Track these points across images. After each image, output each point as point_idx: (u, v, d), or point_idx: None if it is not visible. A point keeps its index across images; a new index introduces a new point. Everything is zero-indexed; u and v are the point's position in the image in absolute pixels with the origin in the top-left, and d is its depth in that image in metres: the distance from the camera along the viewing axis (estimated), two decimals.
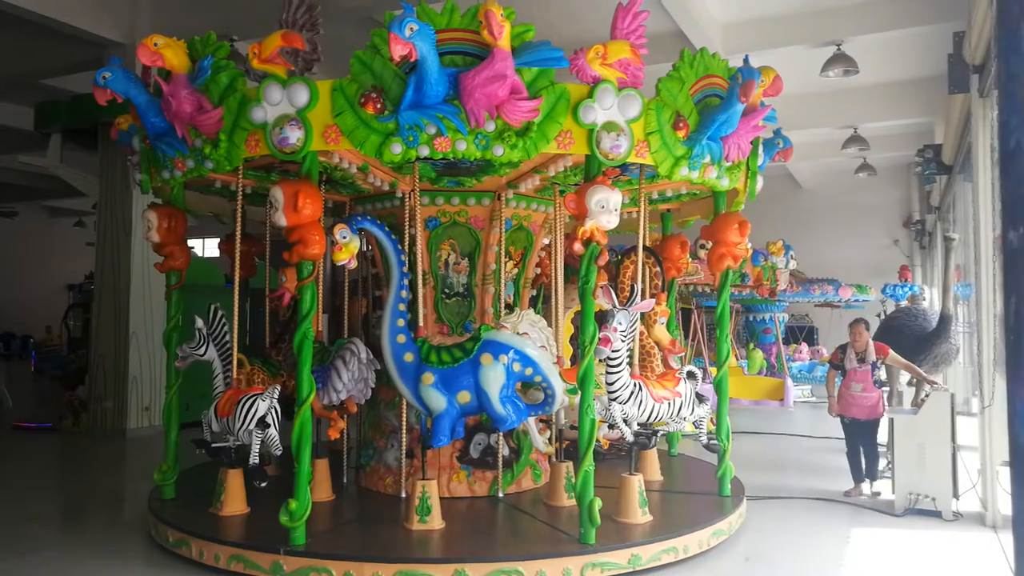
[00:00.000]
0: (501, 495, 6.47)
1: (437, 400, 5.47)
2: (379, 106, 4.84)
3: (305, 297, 5.15)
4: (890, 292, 17.84)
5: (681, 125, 5.37)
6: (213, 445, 5.94)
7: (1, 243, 25.17)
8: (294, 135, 4.90)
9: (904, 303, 19.10)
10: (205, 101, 5.18)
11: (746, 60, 5.43)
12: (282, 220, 5.02)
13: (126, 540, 6.00)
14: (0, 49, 11.38)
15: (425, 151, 4.92)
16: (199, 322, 6.03)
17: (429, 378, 5.48)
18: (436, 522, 5.52)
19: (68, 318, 12.89)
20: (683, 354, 7.49)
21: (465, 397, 5.48)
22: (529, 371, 5.55)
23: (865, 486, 7.47)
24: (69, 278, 25.02)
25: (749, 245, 6.64)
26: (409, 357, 5.58)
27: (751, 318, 15.96)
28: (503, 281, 6.68)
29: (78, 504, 7.68)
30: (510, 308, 6.81)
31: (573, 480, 6.20)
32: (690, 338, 13.97)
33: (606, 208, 5.07)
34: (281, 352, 7.41)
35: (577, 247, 5.18)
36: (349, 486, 6.88)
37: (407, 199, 6.33)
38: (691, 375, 6.18)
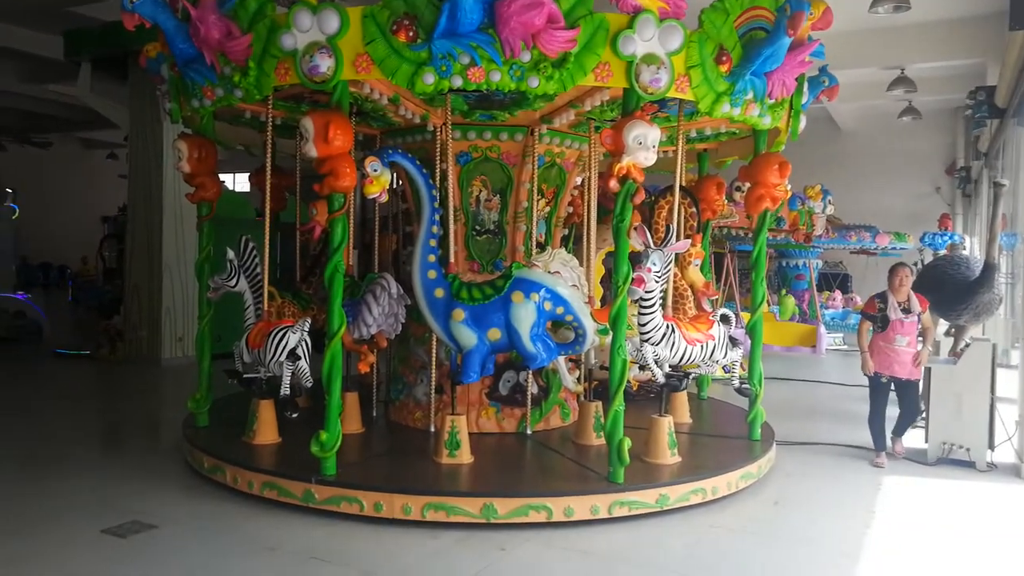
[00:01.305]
0: (529, 432, 6.49)
1: (467, 336, 5.44)
2: (411, 34, 4.69)
3: (336, 230, 5.11)
4: (929, 241, 17.43)
5: (724, 59, 5.15)
6: (244, 376, 6.01)
7: (37, 174, 25.44)
8: (324, 63, 4.78)
9: (943, 252, 18.81)
10: (234, 27, 5.05)
11: None
12: (312, 151, 4.94)
13: (163, 465, 6.14)
14: None
15: (458, 82, 4.78)
16: (230, 254, 6.04)
17: (459, 314, 5.44)
18: (465, 456, 5.56)
19: (103, 249, 13.04)
20: (716, 297, 7.38)
21: (495, 334, 5.45)
22: (560, 310, 5.49)
23: (894, 445, 6.93)
24: (104, 209, 25.26)
25: (788, 187, 6.43)
26: (440, 293, 5.54)
27: (784, 263, 15.69)
28: (535, 219, 6.57)
29: (117, 429, 7.91)
30: (541, 247, 6.72)
31: (602, 420, 6.22)
32: (722, 282, 13.80)
33: (643, 144, 4.91)
34: (311, 285, 7.44)
35: (612, 184, 5.04)
36: (378, 419, 6.95)
37: (439, 133, 6.20)
38: (725, 318, 6.08)
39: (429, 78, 4.75)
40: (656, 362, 5.68)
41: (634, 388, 7.80)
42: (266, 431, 5.95)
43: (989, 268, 8.60)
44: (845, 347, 15.87)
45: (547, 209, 6.89)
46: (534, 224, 6.57)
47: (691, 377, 6.13)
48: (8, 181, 14.57)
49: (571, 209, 7.37)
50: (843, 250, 17.04)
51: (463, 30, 4.61)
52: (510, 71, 4.74)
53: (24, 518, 4.93)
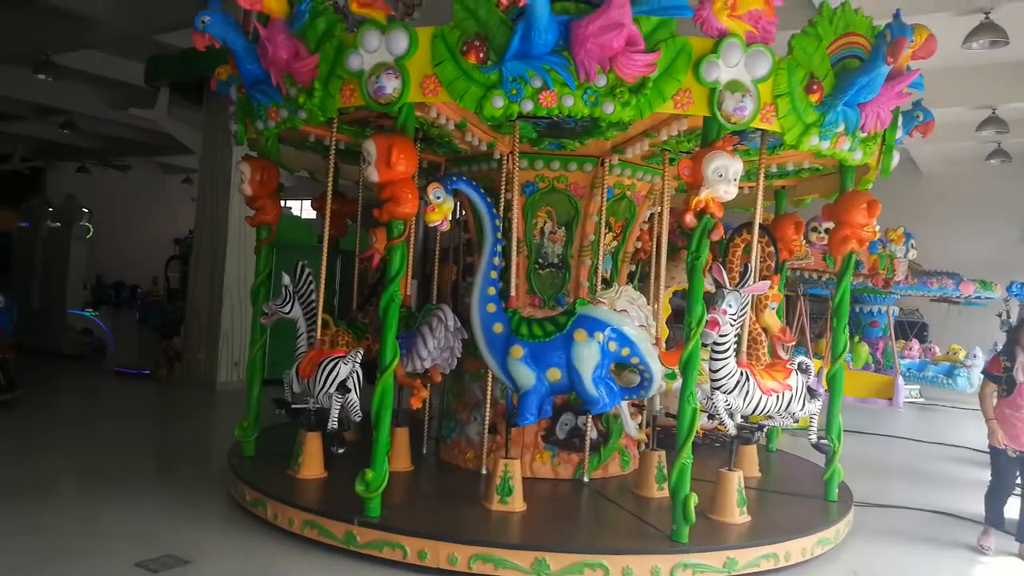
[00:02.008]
0: (586, 480, 6.11)
1: (525, 375, 5.12)
2: (482, 55, 4.47)
3: (395, 258, 4.89)
4: (1017, 291, 16.44)
5: (815, 88, 4.78)
6: (293, 406, 5.81)
7: (116, 197, 26.30)
8: (390, 84, 4.59)
9: None
10: (301, 47, 4.93)
11: (897, 15, 4.77)
12: (374, 175, 4.74)
13: (207, 494, 5.94)
14: (116, 4, 11.61)
15: (529, 106, 4.53)
16: (285, 279, 5.88)
17: (518, 351, 5.13)
18: (517, 504, 5.21)
19: (168, 269, 13.22)
20: (792, 343, 6.90)
21: (555, 374, 5.11)
22: (626, 351, 5.13)
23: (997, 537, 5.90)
24: (176, 232, 25.97)
25: (877, 228, 5.97)
26: (499, 328, 5.24)
27: (858, 309, 14.95)
28: (601, 254, 6.26)
29: (167, 452, 7.80)
30: (607, 283, 6.40)
31: (665, 471, 5.82)
32: (794, 327, 13.17)
33: (724, 177, 4.57)
34: (367, 315, 7.25)
35: (689, 219, 4.70)
36: (428, 457, 6.66)
37: (505, 161, 5.98)
38: (803, 367, 5.62)
39: (498, 102, 4.51)
40: (728, 412, 5.26)
41: (700, 436, 7.36)
42: (311, 465, 5.71)
43: None
44: (922, 400, 15.00)
45: (614, 243, 6.57)
46: (600, 259, 6.25)
47: (764, 429, 5.67)
48: (88, 202, 14.99)
49: (638, 245, 7.01)
50: (922, 297, 16.17)
51: (537, 52, 4.37)
52: (584, 96, 4.47)
53: (61, 540, 4.78)
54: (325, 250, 6.05)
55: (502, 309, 5.30)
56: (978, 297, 15.67)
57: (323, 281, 5.94)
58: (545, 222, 6.34)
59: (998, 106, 13.36)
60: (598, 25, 4.26)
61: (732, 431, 5.31)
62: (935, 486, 7.95)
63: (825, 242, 9.17)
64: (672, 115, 4.98)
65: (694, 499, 4.71)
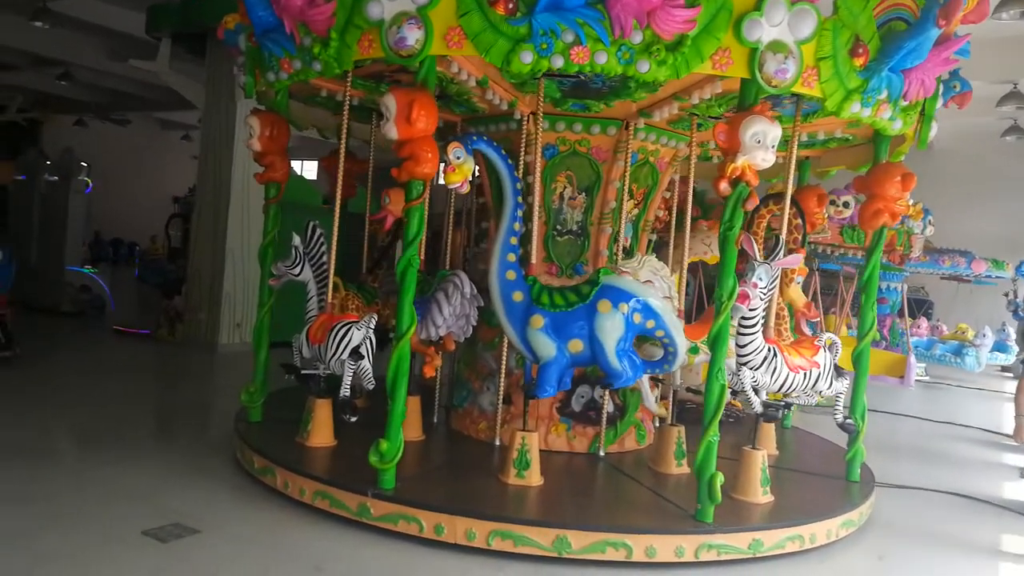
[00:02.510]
0: (602, 454, 5.96)
1: (546, 346, 4.92)
2: (511, 5, 4.20)
3: (413, 221, 4.65)
4: None
5: (860, 51, 4.52)
6: (303, 372, 5.62)
7: (114, 152, 25.88)
8: (413, 36, 4.32)
9: None
10: None
11: None
12: (393, 132, 4.49)
13: (212, 460, 5.77)
14: None
15: (559, 62, 4.27)
16: (296, 240, 5.65)
17: (539, 321, 4.92)
18: (534, 478, 5.05)
19: (169, 228, 12.94)
20: (818, 319, 6.70)
21: (577, 346, 4.91)
22: (651, 324, 4.93)
23: None
24: (176, 189, 25.63)
25: (911, 202, 5.74)
26: (518, 296, 5.03)
27: None
28: (623, 221, 6.03)
29: (170, 415, 7.61)
30: (627, 252, 6.19)
31: (684, 446, 5.67)
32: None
33: (762, 143, 4.33)
34: (377, 279, 7.04)
35: (724, 187, 4.47)
36: (439, 426, 6.50)
37: (526, 122, 5.72)
38: (831, 345, 5.43)
39: (527, 56, 4.25)
40: (754, 389, 5.08)
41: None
42: (321, 432, 5.54)
43: None
44: (928, 378, 14.89)
45: (635, 211, 6.33)
46: (622, 226, 6.02)
47: (791, 408, 5.50)
48: (85, 156, 14.62)
49: (659, 213, 6.77)
50: (930, 275, 15.96)
51: (570, 3, 4.10)
52: (618, 53, 4.21)
53: (64, 509, 4.60)
54: (337, 211, 5.80)
55: (522, 277, 5.09)
56: (988, 276, 15.48)
57: (335, 243, 5.70)
58: (565, 187, 6.10)
59: (1020, 80, 13.02)
60: None
61: (758, 409, 5.13)
62: (948, 467, 7.85)
63: (843, 216, 8.92)
64: (707, 77, 4.72)
65: (720, 478, 4.55)
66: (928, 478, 7.08)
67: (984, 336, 14.34)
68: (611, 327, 4.83)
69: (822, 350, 5.33)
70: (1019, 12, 9.26)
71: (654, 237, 7.06)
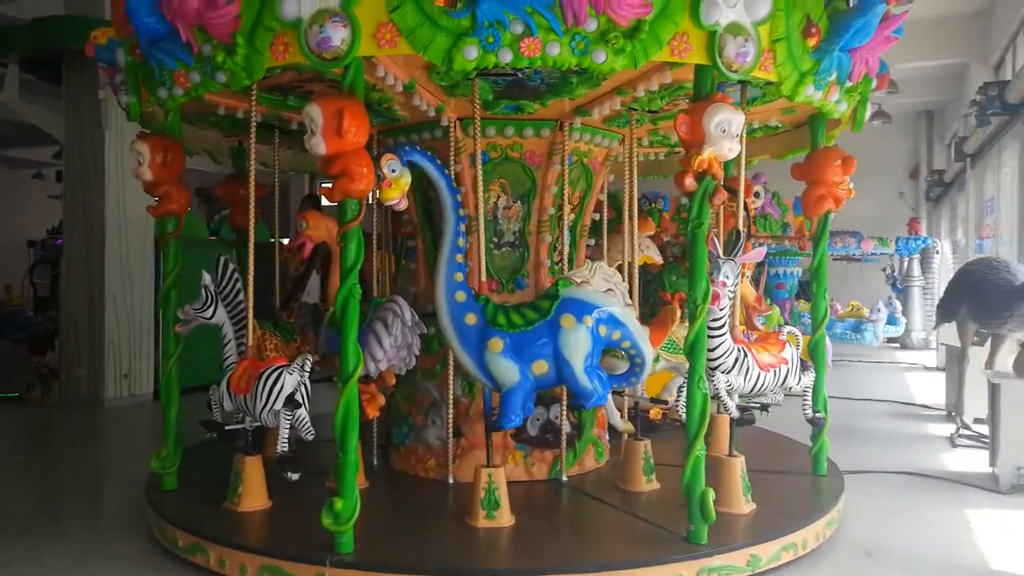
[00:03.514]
0: (564, 479, 5.54)
1: (508, 371, 4.44)
2: None
3: (350, 245, 4.08)
4: (903, 246, 17.11)
5: (813, 31, 4.33)
6: (226, 427, 4.92)
7: None
8: (338, 35, 3.76)
9: (916, 257, 18.58)
10: None
11: None
12: (321, 147, 3.91)
13: (122, 541, 4.94)
14: None
15: (507, 56, 3.83)
16: (206, 278, 4.94)
17: (497, 344, 4.44)
18: (505, 518, 4.58)
19: (33, 276, 11.59)
20: (768, 313, 6.56)
21: (542, 367, 4.45)
22: (617, 335, 4.56)
23: None
24: (29, 234, 23.32)
25: (851, 185, 5.65)
26: (471, 319, 4.53)
27: (770, 272, 15.08)
28: (564, 228, 5.66)
29: (62, 491, 6.41)
30: (567, 261, 5.82)
31: (652, 461, 5.35)
32: None
33: (727, 132, 4.06)
34: (292, 314, 6.39)
35: (688, 182, 4.16)
36: (379, 468, 5.90)
37: (452, 129, 5.26)
38: (795, 339, 5.25)
39: (471, 52, 3.78)
40: (728, 392, 4.81)
41: (656, 418, 6.94)
42: (254, 495, 4.84)
43: None
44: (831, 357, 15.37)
45: (571, 216, 5.97)
46: (564, 233, 5.65)
47: (768, 408, 5.26)
48: None
49: (596, 216, 6.42)
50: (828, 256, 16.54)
51: None
52: (572, 43, 3.81)
53: None
54: (252, 243, 5.12)
55: (472, 297, 4.60)
56: (873, 254, 16.23)
57: (251, 278, 5.02)
58: (499, 196, 5.67)
59: (892, 66, 13.63)
60: None
61: (735, 413, 4.86)
62: (885, 444, 7.94)
63: (756, 205, 8.98)
64: (656, 67, 4.41)
65: (711, 494, 4.22)
66: (872, 458, 7.10)
67: (879, 311, 14.97)
68: (577, 343, 4.42)
69: (787, 345, 5.13)
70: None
71: (592, 242, 6.72)
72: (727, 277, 4.59)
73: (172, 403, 5.24)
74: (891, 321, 15.84)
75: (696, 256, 4.25)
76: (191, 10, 4.03)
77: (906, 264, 18.59)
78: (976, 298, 7.66)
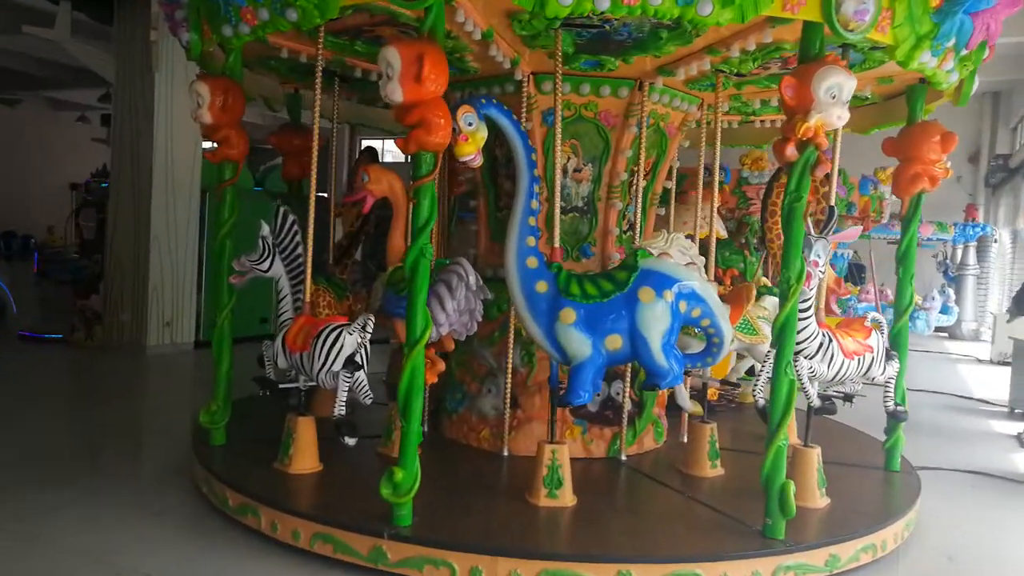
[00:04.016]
0: (623, 458, 5.31)
1: (579, 344, 4.17)
2: None
3: (423, 202, 3.82)
4: (959, 233, 16.50)
5: None
6: (280, 385, 4.73)
7: (2, 135, 23.55)
8: None
9: (973, 245, 17.88)
10: None
11: None
12: (397, 94, 3.64)
13: (170, 496, 4.81)
14: None
15: (604, 3, 3.52)
16: (264, 229, 4.73)
17: (570, 315, 4.17)
18: (567, 498, 4.35)
19: (80, 218, 11.53)
20: (848, 296, 6.20)
21: (615, 342, 4.17)
22: (697, 312, 4.25)
23: None
24: (72, 176, 23.45)
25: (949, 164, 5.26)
26: (542, 287, 4.25)
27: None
28: (638, 194, 5.34)
29: (106, 440, 6.25)
30: (631, 228, 5.52)
31: (717, 445, 5.09)
32: None
33: (838, 98, 3.72)
34: (346, 270, 6.20)
35: (790, 151, 3.83)
36: (429, 436, 5.69)
37: (526, 83, 4.95)
38: (877, 324, 4.92)
39: None
40: (810, 379, 4.50)
41: (713, 398, 6.68)
42: (305, 457, 4.68)
43: None
44: None
45: (643, 183, 5.65)
46: (638, 200, 5.33)
47: (852, 399, 4.92)
48: None
49: (668, 184, 6.09)
50: (877, 240, 15.96)
51: None
52: None
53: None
54: (312, 193, 4.88)
55: (545, 264, 4.32)
56: (929, 240, 15.66)
57: (310, 231, 4.80)
58: (569, 158, 5.36)
59: None
60: None
61: (815, 401, 4.56)
62: (949, 440, 7.60)
63: None
64: (757, 24, 4.04)
65: (792, 488, 3.95)
66: (937, 454, 6.76)
67: (933, 299, 14.47)
68: (655, 318, 4.13)
69: (874, 332, 4.80)
70: None
71: (662, 211, 6.39)
72: (819, 256, 4.25)
73: (224, 356, 5.06)
74: (944, 310, 15.33)
75: (793, 233, 3.93)
76: None
77: (960, 252, 17.95)
78: None
